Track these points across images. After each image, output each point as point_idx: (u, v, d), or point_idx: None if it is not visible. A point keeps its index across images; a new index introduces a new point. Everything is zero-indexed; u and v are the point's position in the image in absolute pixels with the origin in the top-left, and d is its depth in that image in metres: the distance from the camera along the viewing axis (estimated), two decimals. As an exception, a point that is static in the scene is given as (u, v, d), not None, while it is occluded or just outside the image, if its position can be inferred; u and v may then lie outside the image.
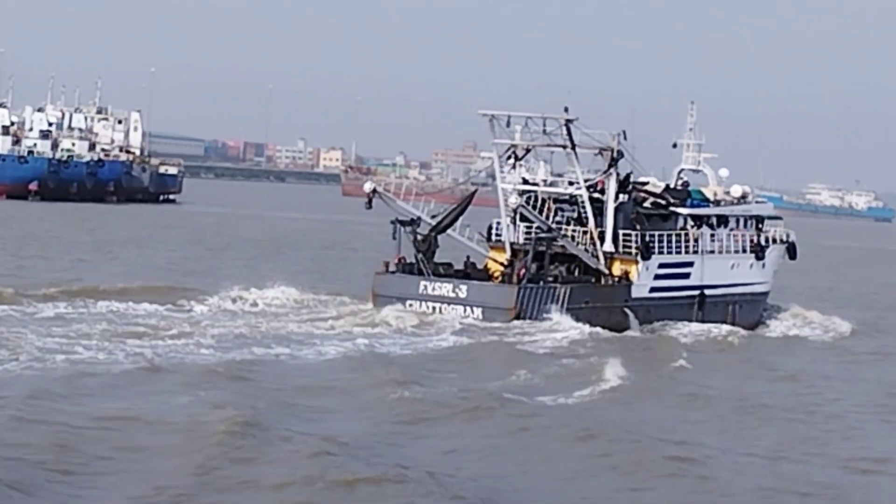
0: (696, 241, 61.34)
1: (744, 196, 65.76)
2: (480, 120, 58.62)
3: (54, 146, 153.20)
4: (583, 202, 58.87)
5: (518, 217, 59.36)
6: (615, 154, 58.30)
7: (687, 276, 60.86)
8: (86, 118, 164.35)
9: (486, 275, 58.88)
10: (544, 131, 58.12)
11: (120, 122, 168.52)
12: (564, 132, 57.68)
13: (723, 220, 63.64)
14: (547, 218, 58.93)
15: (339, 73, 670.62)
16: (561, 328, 53.55)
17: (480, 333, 51.93)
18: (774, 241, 66.35)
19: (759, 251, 64.73)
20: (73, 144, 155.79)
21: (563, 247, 57.56)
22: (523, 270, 55.61)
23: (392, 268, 56.97)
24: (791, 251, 67.34)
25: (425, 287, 55.58)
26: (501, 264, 59.08)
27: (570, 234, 58.52)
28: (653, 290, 59.12)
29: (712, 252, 62.27)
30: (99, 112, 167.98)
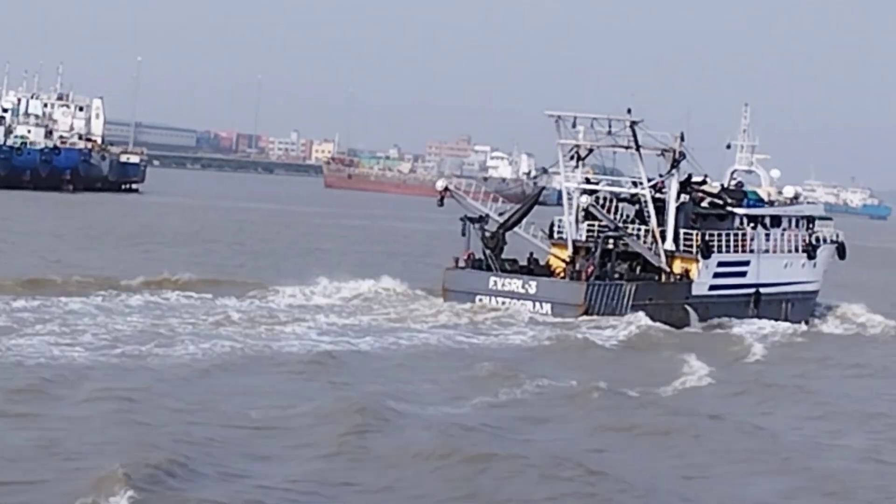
0: (752, 240, 63.80)
1: (796, 197, 68.32)
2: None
3: (8, 133, 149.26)
4: (645, 201, 61.18)
5: (583, 215, 61.67)
6: (677, 155, 60.59)
7: (744, 274, 63.29)
8: (45, 105, 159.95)
9: (548, 271, 61.17)
10: (609, 132, 60.37)
11: (81, 109, 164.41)
12: (629, 133, 59.90)
13: (776, 221, 66.02)
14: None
15: (331, 66, 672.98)
16: (628, 324, 55.85)
17: (553, 328, 54.13)
18: (825, 240, 68.87)
19: (810, 251, 67.16)
20: (29, 131, 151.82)
21: (626, 245, 59.92)
22: (591, 268, 57.90)
23: (461, 264, 59.24)
24: (840, 251, 69.85)
25: (495, 283, 57.83)
26: (563, 261, 61.34)
27: (632, 232, 60.92)
28: (712, 287, 61.49)
29: (767, 251, 64.68)
30: (59, 99, 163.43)
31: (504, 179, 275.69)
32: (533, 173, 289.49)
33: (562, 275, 60.27)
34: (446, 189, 60.56)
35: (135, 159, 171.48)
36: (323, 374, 40.43)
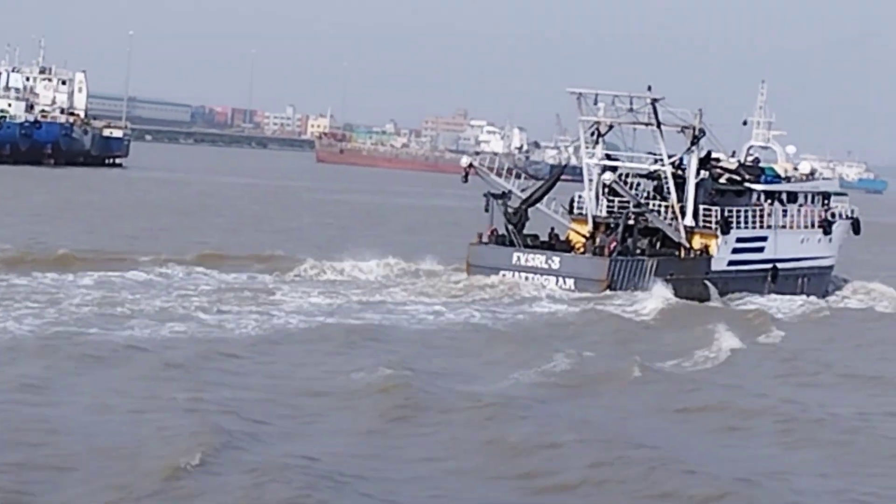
0: (769, 216, 64.82)
1: (812, 173, 69.36)
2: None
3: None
4: (666, 178, 62.13)
5: (604, 191, 62.63)
6: (697, 132, 61.50)
7: (761, 249, 64.31)
8: (27, 78, 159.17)
9: (568, 246, 62.13)
10: (630, 109, 61.24)
11: (64, 82, 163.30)
12: (650, 110, 60.80)
13: (793, 197, 67.03)
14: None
15: (328, 41, 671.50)
16: (651, 298, 56.84)
17: (579, 302, 55.16)
18: (840, 216, 69.90)
19: (826, 226, 68.10)
20: (10, 105, 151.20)
21: (647, 221, 60.88)
22: (614, 243, 58.88)
23: (485, 239, 60.22)
24: (855, 227, 70.81)
25: (518, 258, 58.79)
26: (583, 236, 62.35)
27: (653, 208, 61.91)
28: (730, 263, 62.50)
29: (784, 227, 65.68)
30: (42, 72, 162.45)
31: (496, 154, 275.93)
32: (525, 147, 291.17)
33: (581, 250, 61.26)
34: (471, 165, 61.53)
35: (118, 133, 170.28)
36: (362, 348, 41.37)
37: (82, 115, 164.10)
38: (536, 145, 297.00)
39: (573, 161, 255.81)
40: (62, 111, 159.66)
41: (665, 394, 37.39)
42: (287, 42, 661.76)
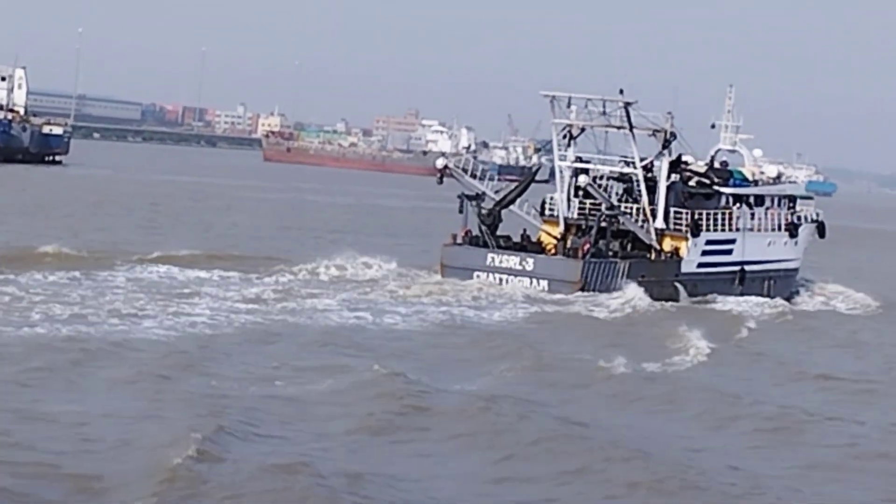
0: (737, 219, 65.97)
1: (778, 176, 70.77)
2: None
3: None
4: (637, 181, 63.17)
5: (575, 193, 63.56)
6: (668, 135, 62.60)
7: (730, 252, 65.45)
8: None
9: (539, 247, 63.03)
10: (603, 112, 62.25)
11: (3, 79, 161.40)
12: (623, 114, 61.80)
13: (760, 200, 68.22)
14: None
15: (280, 39, 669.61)
16: (624, 300, 57.78)
17: (553, 304, 56.05)
18: (806, 219, 71.21)
19: (792, 229, 69.45)
20: None
21: (620, 223, 61.86)
22: (588, 245, 59.81)
23: (459, 240, 61.00)
24: (820, 230, 72.18)
25: (492, 259, 59.63)
26: (554, 237, 63.29)
27: (626, 211, 62.90)
28: (700, 265, 63.63)
29: (751, 230, 66.91)
30: None
31: (443, 154, 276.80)
32: (472, 147, 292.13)
33: (553, 251, 62.21)
34: (445, 167, 62.32)
35: (58, 130, 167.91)
36: (343, 348, 42.02)
37: (22, 111, 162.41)
38: (485, 145, 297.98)
39: (521, 161, 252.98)
40: (1, 108, 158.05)
41: (650, 391, 38.34)
42: (239, 40, 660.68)
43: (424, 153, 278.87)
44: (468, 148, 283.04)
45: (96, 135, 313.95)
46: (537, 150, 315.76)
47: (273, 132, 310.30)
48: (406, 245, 77.33)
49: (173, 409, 31.23)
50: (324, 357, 40.14)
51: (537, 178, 67.63)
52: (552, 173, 66.10)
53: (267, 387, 34.92)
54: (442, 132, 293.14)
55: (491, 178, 63.35)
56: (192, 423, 29.28)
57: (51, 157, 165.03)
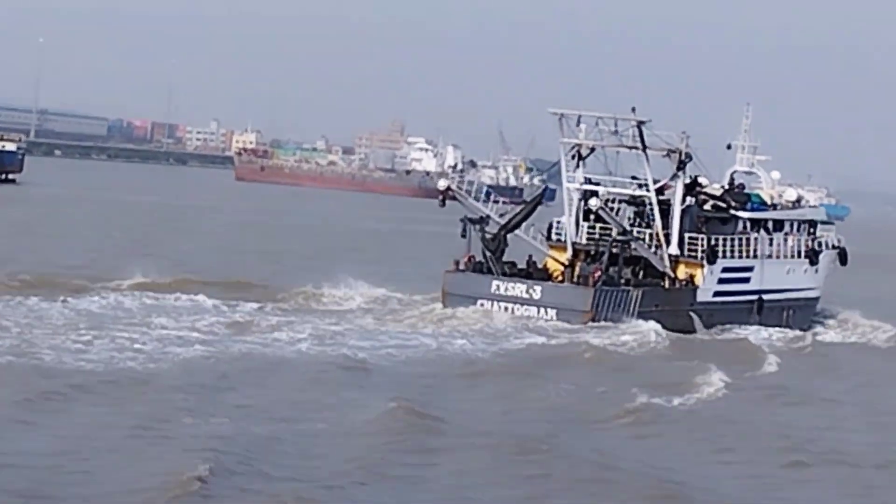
0: (755, 245, 66.23)
1: (798, 200, 70.93)
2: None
3: None
4: (650, 204, 63.39)
5: (584, 217, 63.73)
6: (683, 156, 62.88)
7: (747, 280, 65.82)
8: None
9: (546, 274, 63.26)
10: (615, 132, 62.52)
11: None
12: (635, 133, 62.01)
13: (779, 225, 68.64)
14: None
15: (257, 51, 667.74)
16: (638, 331, 57.99)
17: (564, 334, 56.32)
18: (827, 246, 71.51)
19: (812, 256, 69.91)
20: None
21: (633, 249, 61.98)
22: (599, 272, 59.97)
23: (462, 266, 61.15)
24: (842, 257, 72.47)
25: (497, 287, 59.94)
26: (562, 264, 63.55)
27: (639, 236, 63.05)
28: (716, 294, 64.00)
29: (770, 256, 67.31)
30: None
31: (428, 173, 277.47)
32: (459, 166, 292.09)
33: (560, 278, 62.49)
34: (448, 189, 62.46)
35: (10, 147, 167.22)
36: (347, 382, 42.28)
37: None
38: (473, 164, 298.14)
39: (512, 181, 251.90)
40: None
41: (668, 428, 38.51)
42: (212, 51, 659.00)
43: (408, 172, 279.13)
44: (455, 167, 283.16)
45: (58, 152, 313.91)
46: (529, 170, 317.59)
47: (246, 150, 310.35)
48: (398, 270, 77.54)
49: (165, 448, 31.22)
50: (328, 390, 40.57)
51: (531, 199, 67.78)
52: (544, 193, 66.34)
53: (268, 424, 34.96)
54: (427, 150, 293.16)
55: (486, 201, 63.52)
56: (183, 463, 29.34)
57: (2, 175, 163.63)
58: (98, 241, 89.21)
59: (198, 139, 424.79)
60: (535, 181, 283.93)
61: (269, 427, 34.51)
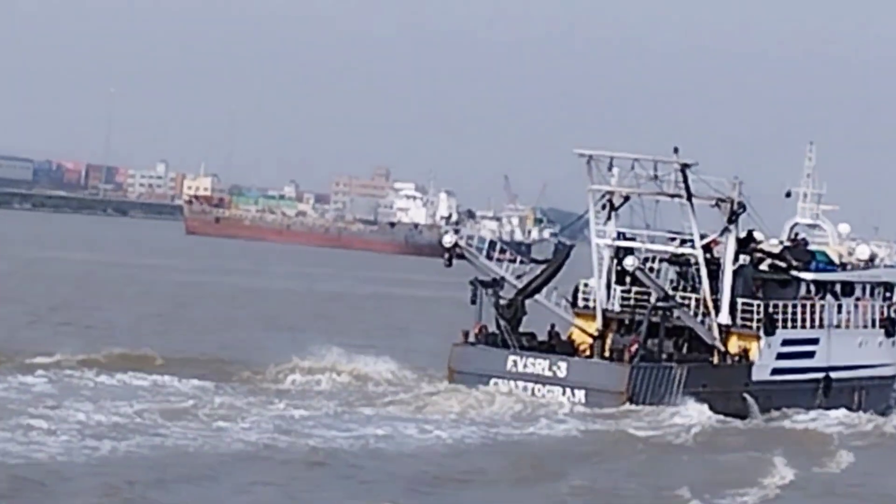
0: (821, 312, 66.25)
1: (871, 259, 70.88)
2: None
3: None
4: (696, 263, 63.48)
5: (617, 279, 63.74)
6: (736, 206, 63.00)
7: (812, 354, 65.94)
8: None
9: (571, 347, 63.47)
10: (655, 177, 62.66)
11: None
12: (678, 178, 62.08)
13: (849, 288, 68.89)
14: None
15: (209, 79, 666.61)
16: (686, 417, 57.99)
17: (595, 420, 56.35)
18: (906, 313, 71.58)
19: (889, 326, 70.17)
20: None
21: (676, 317, 61.93)
22: (636, 346, 59.97)
23: (472, 338, 61.25)
24: (924, 327, 72.35)
25: (514, 363, 60.34)
26: (590, 335, 63.70)
27: (684, 302, 63.03)
28: (774, 371, 64.08)
29: (838, 326, 67.49)
30: None
31: (416, 225, 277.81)
32: (454, 217, 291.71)
33: (588, 352, 62.65)
34: (455, 245, 62.40)
35: None
36: (344, 478, 42.25)
37: None
38: (471, 215, 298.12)
39: (518, 236, 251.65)
40: None
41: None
42: (159, 79, 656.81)
43: (392, 224, 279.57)
44: (448, 218, 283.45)
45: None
46: (539, 222, 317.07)
47: (198, 197, 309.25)
48: (390, 343, 77.59)
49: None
50: (327, 489, 40.12)
51: (538, 257, 67.79)
52: (557, 251, 66.42)
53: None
54: (415, 198, 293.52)
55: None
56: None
57: None
58: (7, 308, 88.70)
59: (142, 184, 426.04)
60: (546, 235, 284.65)
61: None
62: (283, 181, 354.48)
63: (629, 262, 62.52)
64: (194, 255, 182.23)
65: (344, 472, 43.62)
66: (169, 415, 50.11)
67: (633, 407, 58.69)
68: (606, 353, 62.01)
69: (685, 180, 62.62)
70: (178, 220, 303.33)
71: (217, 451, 44.77)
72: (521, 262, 64.62)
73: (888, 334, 70.24)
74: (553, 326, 64.33)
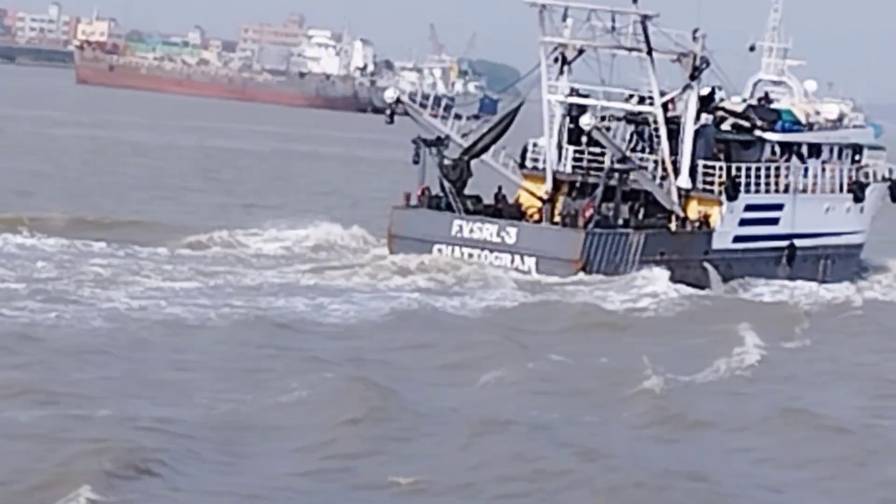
0: (787, 176, 66.32)
1: (840, 118, 70.75)
2: None
3: None
4: (655, 123, 63.30)
5: (568, 138, 63.75)
6: (698, 61, 62.70)
7: (776, 221, 65.88)
8: None
9: (518, 211, 62.99)
10: (612, 29, 62.39)
11: None
12: (638, 31, 61.93)
13: (816, 150, 68.51)
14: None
15: None
16: (644, 286, 58.28)
17: (546, 290, 56.31)
18: (875, 177, 71.55)
19: (857, 191, 69.83)
20: None
21: (633, 181, 62.11)
22: (590, 211, 60.01)
23: (414, 201, 61.07)
24: (893, 191, 72.33)
25: (460, 228, 59.56)
26: (539, 199, 63.38)
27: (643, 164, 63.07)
28: (736, 238, 64.03)
29: (804, 191, 67.25)
30: None
31: (328, 76, 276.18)
32: (371, 68, 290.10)
33: (536, 217, 62.37)
34: (398, 101, 62.12)
35: None
36: (284, 350, 42.36)
37: None
38: (388, 66, 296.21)
39: (441, 89, 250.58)
40: None
41: (695, 411, 38.82)
42: None
43: (302, 75, 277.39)
44: (363, 69, 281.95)
45: None
46: (464, 74, 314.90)
47: (90, 43, 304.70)
48: (313, 206, 77.65)
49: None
50: (264, 361, 40.41)
51: (466, 114, 67.43)
52: (483, 106, 66.52)
53: (201, 408, 35.13)
54: (327, 46, 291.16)
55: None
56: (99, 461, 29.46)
57: None
58: None
59: (32, 28, 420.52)
60: (472, 88, 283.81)
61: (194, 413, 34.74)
62: (188, 27, 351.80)
63: (585, 121, 61.08)
64: (81, 108, 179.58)
65: (289, 344, 43.56)
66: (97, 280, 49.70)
67: (587, 275, 58.28)
68: (556, 218, 61.42)
69: (645, 32, 61.30)
70: (70, 67, 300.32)
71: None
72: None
73: (856, 200, 69.59)
74: (500, 189, 63.27)
